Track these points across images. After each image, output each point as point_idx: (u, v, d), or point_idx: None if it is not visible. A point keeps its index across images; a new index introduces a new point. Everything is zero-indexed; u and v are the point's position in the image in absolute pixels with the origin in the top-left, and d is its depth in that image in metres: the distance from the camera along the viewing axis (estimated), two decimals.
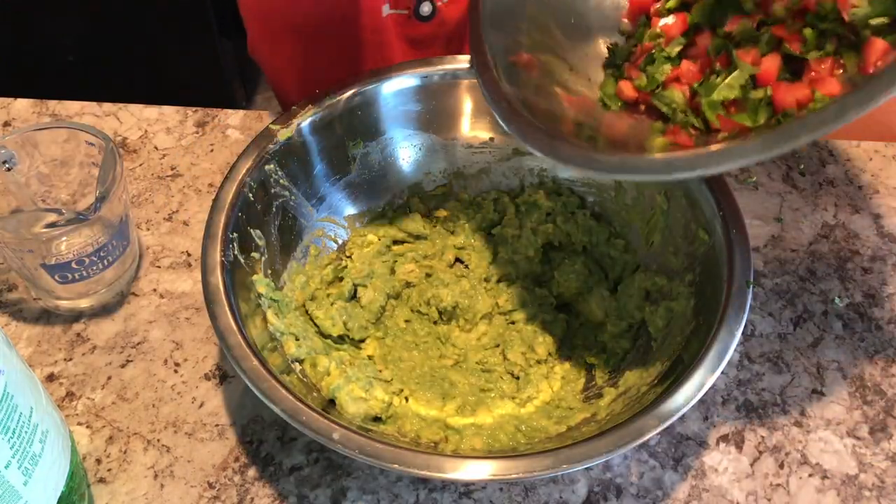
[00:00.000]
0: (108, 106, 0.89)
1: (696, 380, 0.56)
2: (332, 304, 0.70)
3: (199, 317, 0.72)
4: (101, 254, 0.68)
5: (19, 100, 0.90)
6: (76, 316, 0.72)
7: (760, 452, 0.64)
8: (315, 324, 0.69)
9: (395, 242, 0.76)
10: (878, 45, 0.49)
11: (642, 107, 0.60)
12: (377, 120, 0.75)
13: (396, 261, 0.74)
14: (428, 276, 0.73)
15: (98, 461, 0.64)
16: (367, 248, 0.74)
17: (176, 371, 0.69)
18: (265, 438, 0.65)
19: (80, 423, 0.65)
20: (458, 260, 0.76)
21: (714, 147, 0.50)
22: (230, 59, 1.61)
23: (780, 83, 0.53)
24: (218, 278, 0.61)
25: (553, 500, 0.62)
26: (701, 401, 0.61)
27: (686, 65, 0.58)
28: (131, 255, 0.73)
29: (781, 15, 0.54)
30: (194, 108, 0.89)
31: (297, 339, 0.65)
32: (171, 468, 0.63)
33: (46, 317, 0.72)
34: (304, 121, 0.70)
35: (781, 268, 0.76)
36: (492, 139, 0.77)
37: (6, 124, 0.88)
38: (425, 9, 0.89)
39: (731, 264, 0.62)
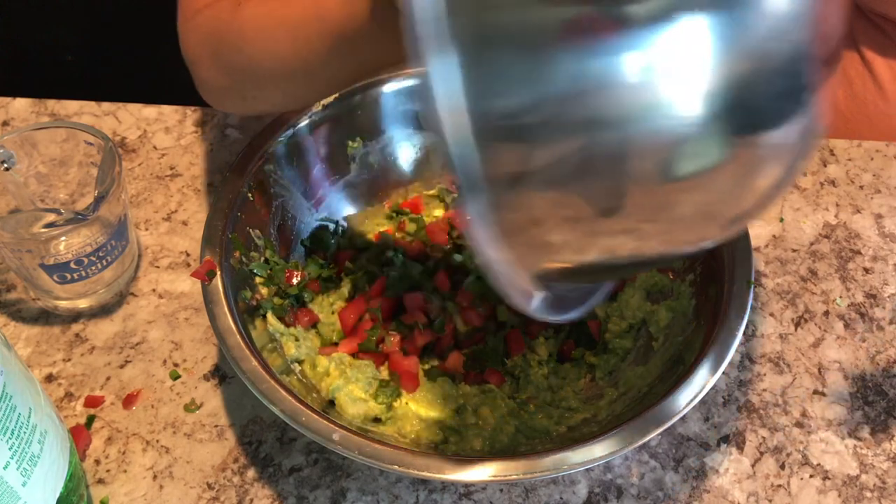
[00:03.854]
0: (106, 105, 0.89)
1: (697, 380, 0.56)
2: (331, 305, 0.69)
3: (199, 317, 0.72)
4: (100, 254, 0.68)
5: (18, 99, 0.89)
6: (75, 316, 0.72)
7: (762, 453, 0.64)
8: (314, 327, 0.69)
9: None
10: None
11: None
12: (377, 120, 0.74)
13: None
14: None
15: (97, 462, 0.63)
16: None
17: (175, 371, 0.68)
18: (264, 439, 0.65)
19: (79, 424, 0.65)
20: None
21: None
22: None
23: None
24: (217, 278, 0.61)
25: (553, 501, 0.61)
26: (702, 401, 0.61)
27: None
28: (130, 255, 0.73)
29: None
30: (193, 108, 0.89)
31: (297, 340, 0.65)
32: (170, 469, 0.63)
33: (45, 317, 0.72)
34: (303, 121, 0.70)
35: (782, 268, 0.76)
36: None
37: (5, 124, 0.87)
38: None
39: (731, 264, 0.62)
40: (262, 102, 0.64)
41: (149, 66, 1.53)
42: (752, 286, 0.60)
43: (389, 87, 0.73)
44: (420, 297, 0.68)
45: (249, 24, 0.57)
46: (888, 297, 0.74)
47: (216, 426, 0.65)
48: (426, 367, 0.67)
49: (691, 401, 0.55)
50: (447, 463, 0.54)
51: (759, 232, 0.78)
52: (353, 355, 0.66)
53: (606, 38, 0.33)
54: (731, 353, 0.57)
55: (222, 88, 0.62)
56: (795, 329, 0.72)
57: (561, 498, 0.62)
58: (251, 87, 0.61)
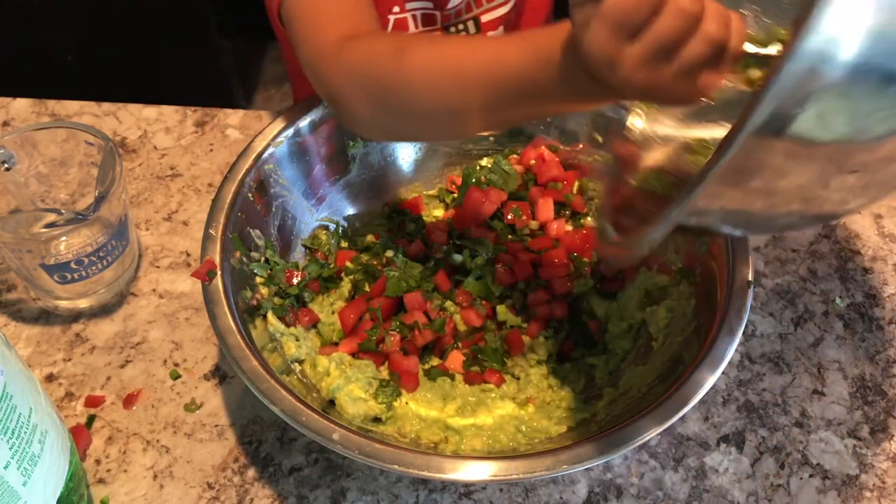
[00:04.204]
0: (107, 105, 0.89)
1: (697, 380, 0.56)
2: (331, 304, 0.69)
3: (199, 317, 0.72)
4: (101, 254, 0.68)
5: (18, 99, 0.89)
6: (75, 316, 0.72)
7: (761, 453, 0.64)
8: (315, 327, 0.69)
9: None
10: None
11: None
12: None
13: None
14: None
15: (97, 462, 0.63)
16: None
17: (175, 371, 0.68)
18: (265, 439, 0.65)
19: (79, 424, 0.65)
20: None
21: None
22: (229, 58, 1.60)
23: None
24: (217, 278, 0.61)
25: (553, 500, 0.62)
26: (701, 401, 0.61)
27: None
28: (130, 255, 0.73)
29: None
30: (193, 108, 0.89)
31: (297, 340, 0.65)
32: (170, 469, 0.63)
33: (46, 317, 0.72)
34: (304, 121, 0.70)
35: (782, 268, 0.76)
36: (491, 137, 0.77)
37: (5, 124, 0.87)
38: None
39: (731, 264, 0.62)
40: (413, 137, 0.69)
41: (149, 66, 1.53)
42: (752, 286, 0.60)
43: None
44: (420, 297, 0.69)
45: (418, 73, 0.57)
46: (888, 297, 0.74)
47: (216, 426, 0.65)
48: (426, 366, 0.67)
49: (690, 400, 0.55)
50: (447, 462, 0.54)
51: None
52: (353, 355, 0.66)
53: None
54: (731, 353, 0.57)
55: (374, 123, 0.62)
56: (795, 329, 0.72)
57: (561, 498, 0.62)
58: (408, 126, 0.62)
